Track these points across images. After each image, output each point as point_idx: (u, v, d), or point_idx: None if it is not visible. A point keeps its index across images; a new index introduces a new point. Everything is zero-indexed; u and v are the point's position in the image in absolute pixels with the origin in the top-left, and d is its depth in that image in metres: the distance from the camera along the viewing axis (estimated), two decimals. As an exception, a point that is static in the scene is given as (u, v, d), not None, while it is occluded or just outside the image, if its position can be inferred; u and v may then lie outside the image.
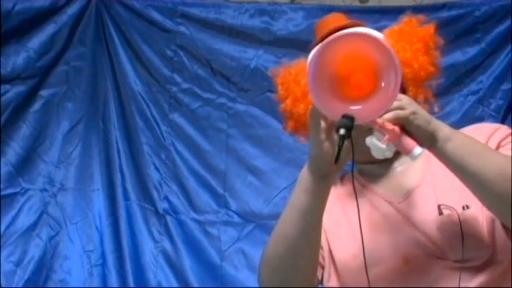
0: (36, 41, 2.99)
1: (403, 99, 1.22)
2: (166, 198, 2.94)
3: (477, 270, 1.26)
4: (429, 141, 1.21)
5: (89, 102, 3.01)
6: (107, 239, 2.89)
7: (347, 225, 1.38)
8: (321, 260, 1.40)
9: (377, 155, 1.21)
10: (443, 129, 1.22)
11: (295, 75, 1.51)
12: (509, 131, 1.36)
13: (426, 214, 1.30)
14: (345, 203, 1.42)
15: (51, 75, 3.01)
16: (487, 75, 2.93)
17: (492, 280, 1.26)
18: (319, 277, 1.41)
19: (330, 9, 3.00)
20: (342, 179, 1.49)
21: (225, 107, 2.95)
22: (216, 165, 2.90)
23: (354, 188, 1.30)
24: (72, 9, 3.02)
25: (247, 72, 2.92)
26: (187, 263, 2.87)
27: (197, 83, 2.98)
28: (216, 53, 3.01)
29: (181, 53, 3.03)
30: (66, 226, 2.90)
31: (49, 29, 3.00)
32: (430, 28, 1.44)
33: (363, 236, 1.28)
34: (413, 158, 1.19)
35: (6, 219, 2.87)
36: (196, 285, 2.84)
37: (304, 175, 1.27)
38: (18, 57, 2.96)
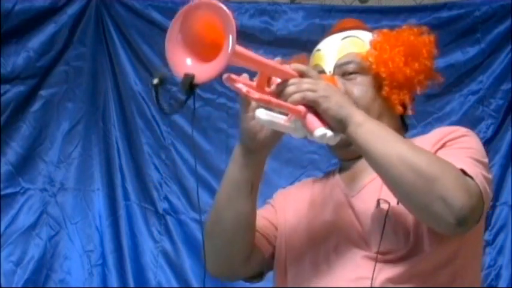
0: (36, 41, 2.99)
1: (320, 83, 1.26)
2: (166, 198, 2.94)
3: (394, 262, 1.30)
4: (340, 124, 1.25)
5: (89, 102, 3.01)
6: (107, 239, 2.90)
7: (306, 212, 1.46)
8: (271, 238, 1.47)
9: (276, 127, 1.26)
10: (356, 115, 1.26)
11: None
12: (464, 133, 1.38)
13: (367, 207, 1.34)
14: (312, 192, 1.50)
15: (51, 75, 3.01)
16: (487, 75, 2.92)
17: (412, 272, 1.29)
18: (267, 254, 1.47)
19: (330, 9, 3.00)
20: (327, 173, 1.56)
21: (225, 107, 2.95)
22: (216, 165, 2.90)
23: None
24: (72, 9, 3.02)
25: (247, 72, 2.92)
26: (187, 263, 2.88)
27: (197, 83, 2.98)
28: (216, 53, 3.01)
29: (181, 53, 3.02)
30: (66, 226, 2.90)
31: (49, 29, 3.00)
32: (425, 38, 1.45)
33: (313, 222, 1.41)
34: (316, 138, 1.24)
35: (6, 219, 2.88)
36: (196, 285, 2.84)
37: (236, 148, 1.37)
38: (18, 57, 2.96)
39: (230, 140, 2.90)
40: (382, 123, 1.32)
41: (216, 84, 2.96)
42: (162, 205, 2.94)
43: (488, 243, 2.77)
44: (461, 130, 1.40)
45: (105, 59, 3.03)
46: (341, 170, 1.49)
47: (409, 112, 1.47)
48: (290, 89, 1.24)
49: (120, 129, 2.99)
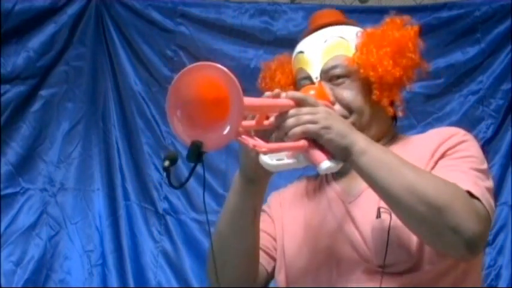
0: (36, 41, 2.99)
1: (319, 113, 1.23)
2: (166, 198, 2.94)
3: (397, 276, 1.28)
4: (343, 154, 1.23)
5: (89, 102, 3.01)
6: (107, 239, 2.89)
7: (303, 223, 1.43)
8: (272, 252, 1.46)
9: (281, 169, 1.24)
10: (358, 143, 1.23)
11: (273, 71, 1.55)
12: (463, 138, 1.36)
13: (366, 216, 1.32)
14: (308, 200, 1.47)
15: (51, 75, 3.01)
16: (487, 75, 2.92)
17: (413, 283, 1.28)
18: (269, 269, 1.46)
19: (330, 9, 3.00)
20: (318, 174, 1.51)
21: (225, 107, 2.95)
22: (216, 165, 2.90)
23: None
24: (72, 9, 3.01)
25: (247, 72, 2.91)
26: (187, 263, 2.88)
27: (197, 83, 2.98)
28: (216, 53, 3.01)
29: (181, 53, 3.02)
30: (66, 226, 2.90)
31: (49, 29, 3.00)
32: (410, 31, 1.42)
33: (310, 234, 1.39)
34: (321, 171, 1.23)
35: (6, 219, 2.88)
36: (196, 285, 2.84)
37: (236, 178, 1.35)
38: (18, 57, 2.96)
39: (230, 140, 2.90)
40: (386, 148, 1.29)
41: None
42: (162, 205, 2.94)
43: (488, 243, 2.77)
44: (459, 134, 1.37)
45: (105, 59, 3.03)
46: (335, 172, 1.45)
47: (400, 113, 1.45)
48: (290, 122, 1.21)
49: (120, 129, 2.99)
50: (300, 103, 1.24)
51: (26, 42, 2.97)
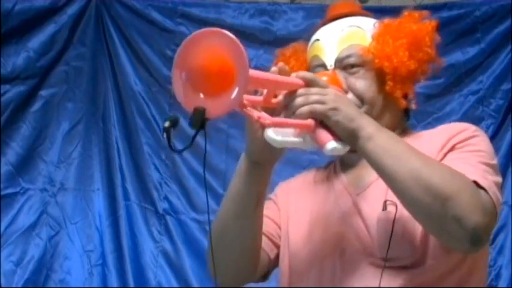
0: (36, 41, 2.99)
1: (329, 94, 1.22)
2: (166, 198, 2.94)
3: (400, 270, 1.27)
4: (350, 138, 1.22)
5: (89, 102, 3.01)
6: (107, 239, 2.90)
7: (309, 212, 1.42)
8: (276, 238, 1.45)
9: (286, 145, 1.23)
10: (366, 127, 1.22)
11: (288, 57, 1.55)
12: (473, 133, 1.35)
13: (373, 208, 1.31)
14: (315, 190, 1.46)
15: (51, 75, 3.01)
16: (487, 75, 2.93)
17: (417, 283, 1.26)
18: (272, 256, 1.45)
19: (330, 9, 3.00)
20: (328, 164, 1.52)
21: (225, 107, 2.95)
22: (216, 165, 2.90)
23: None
24: (72, 9, 3.02)
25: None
26: (187, 262, 2.88)
27: (197, 83, 2.98)
28: (216, 53, 3.00)
29: (181, 53, 3.02)
30: (66, 226, 2.90)
31: (49, 29, 3.00)
32: (428, 25, 1.41)
33: (316, 225, 1.38)
34: (326, 151, 1.21)
35: (6, 219, 2.88)
36: (196, 285, 2.84)
37: (241, 161, 1.33)
38: (18, 57, 2.96)
39: (230, 140, 2.91)
40: (394, 134, 1.28)
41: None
42: (162, 205, 2.94)
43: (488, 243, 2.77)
44: (470, 130, 1.36)
45: (105, 59, 3.03)
46: (343, 164, 1.44)
47: (413, 106, 1.44)
48: (298, 101, 1.20)
49: (120, 129, 2.99)
50: (309, 83, 1.23)
51: (26, 42, 2.98)
